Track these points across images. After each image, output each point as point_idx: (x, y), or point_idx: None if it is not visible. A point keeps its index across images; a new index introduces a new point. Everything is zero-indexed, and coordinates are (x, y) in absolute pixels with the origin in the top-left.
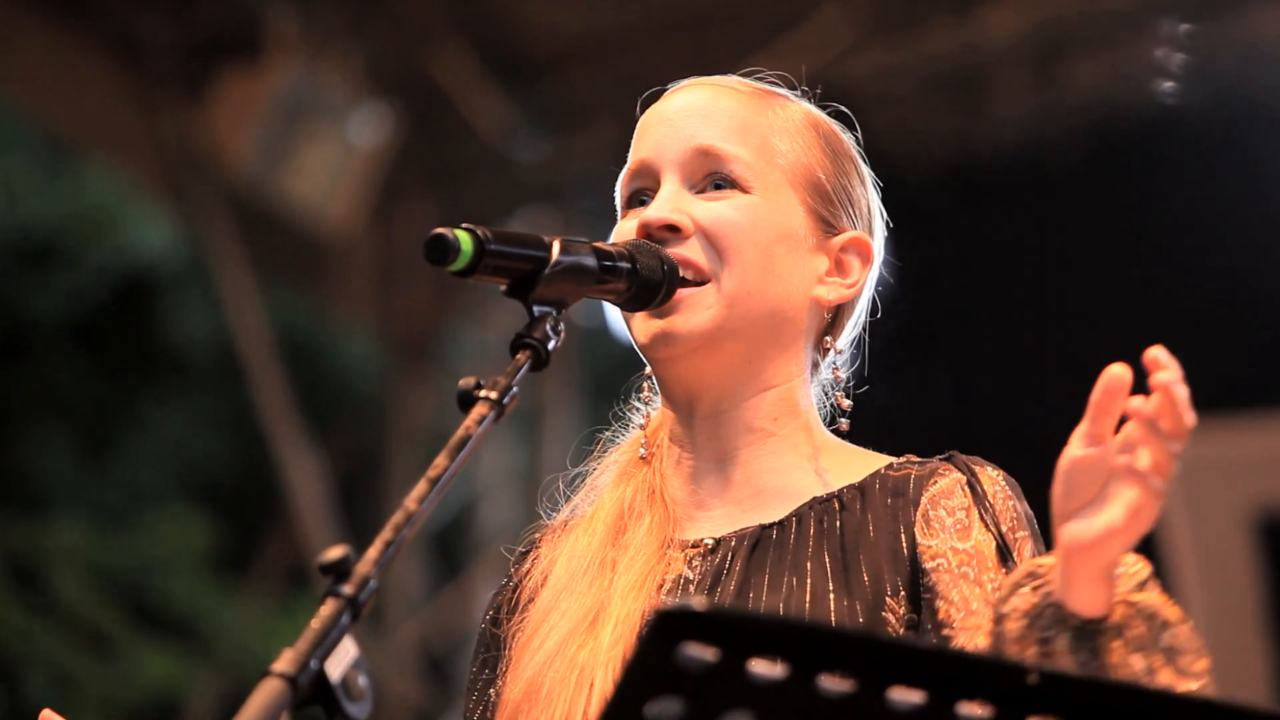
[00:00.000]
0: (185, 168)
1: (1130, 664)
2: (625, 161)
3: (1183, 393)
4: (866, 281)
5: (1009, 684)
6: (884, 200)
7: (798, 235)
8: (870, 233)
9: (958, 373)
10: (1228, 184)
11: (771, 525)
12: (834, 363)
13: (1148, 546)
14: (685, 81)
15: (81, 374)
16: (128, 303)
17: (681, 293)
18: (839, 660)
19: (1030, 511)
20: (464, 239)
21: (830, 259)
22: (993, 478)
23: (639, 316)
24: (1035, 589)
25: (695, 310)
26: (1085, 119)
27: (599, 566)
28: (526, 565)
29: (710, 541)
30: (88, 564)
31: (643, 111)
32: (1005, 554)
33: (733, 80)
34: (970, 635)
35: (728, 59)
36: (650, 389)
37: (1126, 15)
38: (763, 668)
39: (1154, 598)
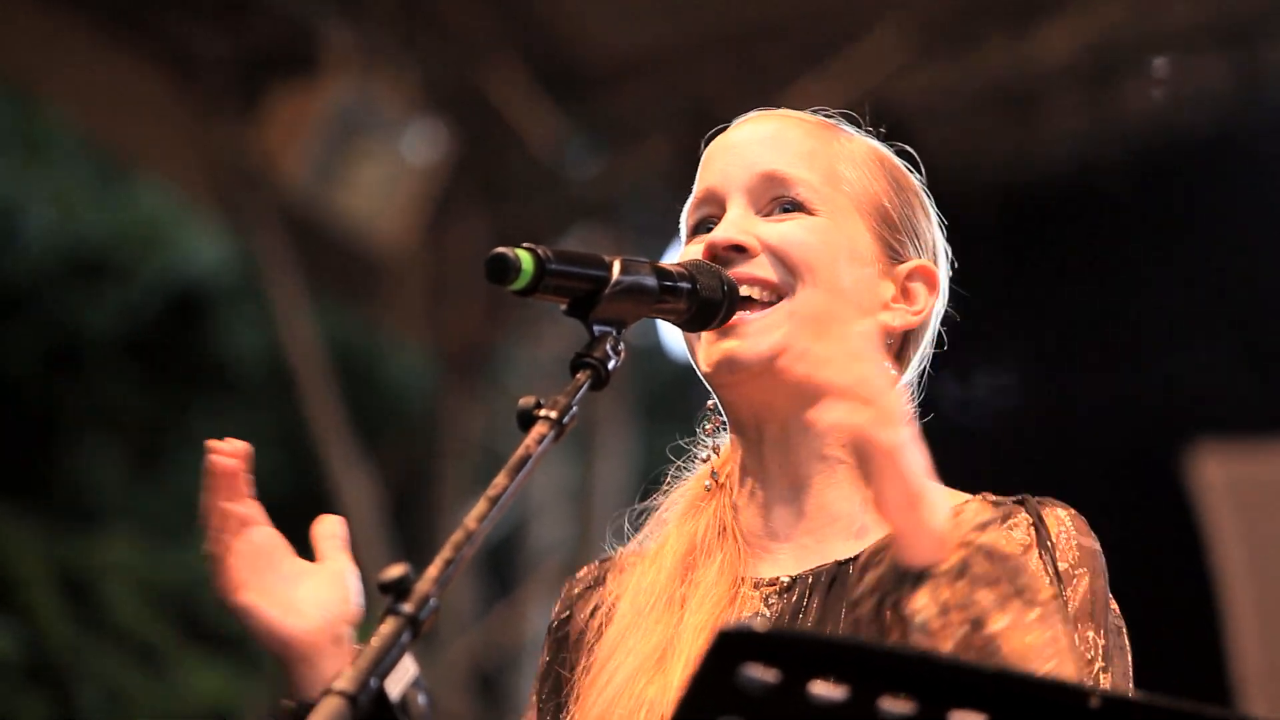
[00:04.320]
0: (238, 183)
1: (978, 600)
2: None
3: None
4: (933, 312)
5: (1071, 707)
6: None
7: (865, 258)
8: (935, 265)
9: (1012, 393)
10: None
11: (848, 561)
12: None
13: (1201, 568)
14: (751, 113)
15: (134, 388)
16: (180, 318)
17: (747, 315)
18: (900, 682)
19: (1098, 548)
20: (525, 258)
21: (896, 286)
22: (1060, 517)
23: (703, 341)
24: (876, 565)
25: (762, 334)
26: (1138, 139)
27: (667, 603)
28: (590, 604)
29: (786, 579)
30: (139, 579)
31: (707, 145)
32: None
33: (799, 112)
34: None
35: (781, 77)
36: (718, 422)
37: (1179, 35)
38: (823, 689)
39: (994, 536)
